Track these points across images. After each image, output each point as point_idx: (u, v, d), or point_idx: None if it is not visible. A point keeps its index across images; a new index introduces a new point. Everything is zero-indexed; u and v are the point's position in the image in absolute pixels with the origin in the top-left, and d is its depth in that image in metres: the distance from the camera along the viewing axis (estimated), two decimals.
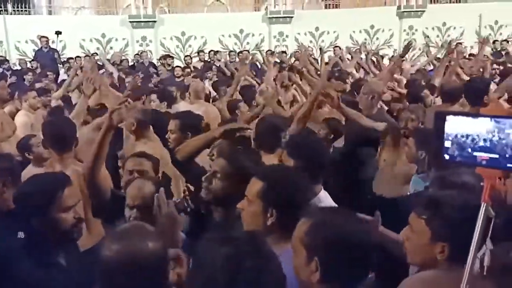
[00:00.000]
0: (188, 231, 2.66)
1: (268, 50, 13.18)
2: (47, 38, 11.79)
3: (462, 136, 1.35)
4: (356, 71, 7.54)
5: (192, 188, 2.69)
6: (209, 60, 12.13)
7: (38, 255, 1.93)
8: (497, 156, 1.30)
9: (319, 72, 6.72)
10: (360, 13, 14.38)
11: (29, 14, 14.40)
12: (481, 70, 6.67)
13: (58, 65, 11.38)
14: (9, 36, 13.28)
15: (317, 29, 14.36)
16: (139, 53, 12.62)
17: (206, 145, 2.79)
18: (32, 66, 10.65)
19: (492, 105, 3.51)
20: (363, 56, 9.25)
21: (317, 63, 12.36)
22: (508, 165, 1.29)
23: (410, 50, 14.19)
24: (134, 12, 13.91)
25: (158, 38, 14.08)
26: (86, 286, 1.67)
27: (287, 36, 14.26)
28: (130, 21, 13.79)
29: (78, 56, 11.97)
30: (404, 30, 14.36)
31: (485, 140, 1.31)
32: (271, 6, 14.39)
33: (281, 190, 1.87)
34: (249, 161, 2.25)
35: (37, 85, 6.95)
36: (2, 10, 13.41)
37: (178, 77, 9.48)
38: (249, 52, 12.79)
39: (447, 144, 1.37)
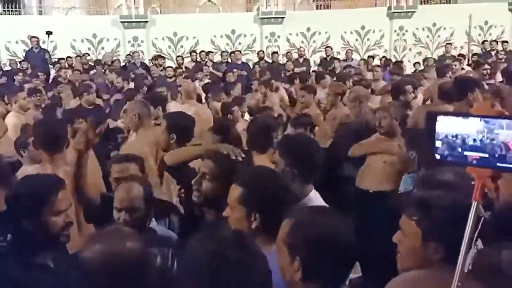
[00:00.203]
0: (181, 232, 2.66)
1: (260, 51, 13.22)
2: (37, 38, 11.71)
3: (453, 136, 1.36)
4: None
5: (183, 191, 2.70)
6: (200, 60, 12.12)
7: (26, 256, 1.92)
8: (487, 155, 1.31)
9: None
10: (351, 14, 14.43)
11: (19, 14, 14.29)
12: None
13: (49, 65, 11.31)
14: None
15: (308, 29, 14.40)
16: (131, 54, 12.56)
17: (195, 158, 2.71)
18: (22, 67, 10.57)
19: (482, 105, 3.57)
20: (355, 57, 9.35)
21: (308, 63, 12.48)
22: (498, 164, 1.30)
23: (401, 50, 14.41)
24: (126, 12, 13.85)
25: (149, 39, 14.03)
26: None
27: (278, 36, 14.28)
28: (121, 21, 13.73)
29: (69, 57, 11.91)
30: (395, 31, 14.44)
31: (475, 139, 1.32)
32: (263, 6, 14.39)
33: (260, 194, 1.89)
34: (238, 161, 2.23)
35: (27, 86, 6.91)
36: None
37: (170, 77, 9.48)
38: (241, 52, 12.81)
39: (438, 144, 1.38)
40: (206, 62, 11.83)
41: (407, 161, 3.25)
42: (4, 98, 6.04)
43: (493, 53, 11.92)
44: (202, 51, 12.74)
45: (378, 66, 8.73)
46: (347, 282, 2.39)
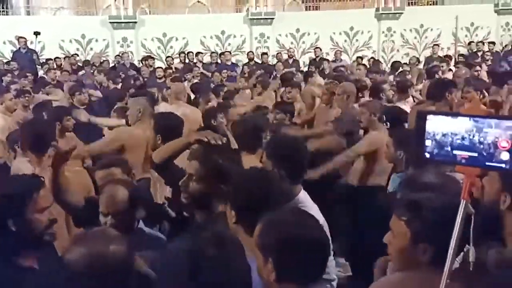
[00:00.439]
0: (170, 235, 2.65)
1: (250, 52, 13.22)
2: (25, 39, 11.58)
3: (442, 135, 1.37)
4: None
5: (170, 196, 2.67)
6: (188, 62, 12.08)
7: (12, 258, 1.90)
8: (476, 154, 1.32)
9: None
10: (340, 15, 14.52)
11: (6, 14, 14.13)
12: None
13: (37, 66, 11.19)
14: None
15: (297, 30, 14.45)
16: (120, 54, 12.49)
17: (181, 150, 2.68)
18: (10, 68, 10.44)
19: (471, 105, 3.65)
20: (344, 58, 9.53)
21: (298, 64, 12.51)
22: (487, 163, 1.31)
23: (389, 51, 14.53)
24: (115, 12, 13.75)
25: (139, 39, 13.96)
26: None
27: (268, 37, 14.30)
28: (110, 22, 13.64)
29: (57, 57, 11.80)
30: (383, 32, 14.55)
31: (464, 139, 1.33)
32: (252, 7, 14.41)
33: (248, 195, 1.89)
34: (224, 159, 2.21)
35: (13, 87, 6.84)
36: None
37: (160, 78, 9.44)
38: (230, 53, 12.80)
39: (428, 142, 1.39)
40: (196, 63, 11.80)
41: (390, 156, 3.28)
42: None
43: (479, 54, 12.05)
44: (190, 52, 12.71)
45: (363, 65, 9.38)
46: (335, 282, 2.41)
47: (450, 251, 1.38)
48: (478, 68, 7.49)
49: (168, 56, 12.73)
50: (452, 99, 4.54)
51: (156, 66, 11.04)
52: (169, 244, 1.41)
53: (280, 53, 13.33)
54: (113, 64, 11.99)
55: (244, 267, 1.40)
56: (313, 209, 2.42)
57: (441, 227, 1.48)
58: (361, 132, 4.27)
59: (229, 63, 11.95)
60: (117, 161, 2.94)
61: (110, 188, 2.35)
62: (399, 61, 10.03)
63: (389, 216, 1.73)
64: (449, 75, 7.46)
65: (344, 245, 3.99)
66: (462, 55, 12.38)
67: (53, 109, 4.96)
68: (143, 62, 11.54)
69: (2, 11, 13.96)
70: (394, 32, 14.57)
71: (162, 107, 5.36)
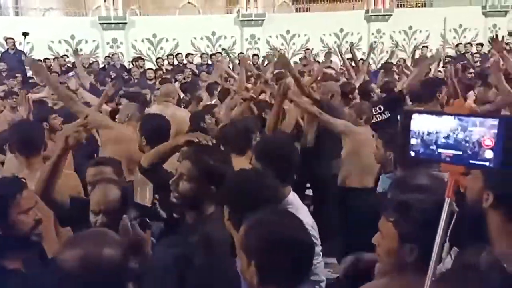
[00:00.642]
0: (160, 236, 2.63)
1: (240, 53, 13.22)
2: (13, 39, 11.49)
3: (427, 134, 1.39)
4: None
5: (158, 197, 2.65)
6: (177, 63, 12.03)
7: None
8: (460, 152, 1.33)
9: None
10: (330, 17, 14.62)
11: None
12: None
13: (26, 67, 11.09)
14: None
15: (288, 32, 14.49)
16: (110, 55, 12.42)
17: (170, 152, 2.65)
18: None
19: (456, 104, 3.67)
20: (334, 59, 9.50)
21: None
22: (471, 161, 1.32)
23: (378, 53, 14.60)
24: (104, 13, 13.69)
25: (129, 40, 13.91)
26: None
27: (258, 38, 14.33)
28: (100, 23, 13.58)
29: (47, 58, 11.71)
30: (372, 34, 14.65)
31: (449, 137, 1.35)
32: (243, 9, 14.42)
33: (231, 197, 1.91)
34: (215, 160, 2.20)
35: (1, 88, 6.78)
36: None
37: (150, 79, 9.40)
38: (221, 54, 12.79)
39: (413, 141, 1.41)
40: (186, 64, 11.76)
41: (379, 156, 3.32)
42: None
43: (467, 55, 12.16)
44: (179, 53, 12.67)
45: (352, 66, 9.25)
46: (324, 283, 2.41)
47: (435, 250, 1.39)
48: (472, 70, 7.60)
49: (159, 57, 12.69)
50: (443, 98, 4.48)
51: (146, 68, 11.00)
52: (156, 248, 1.39)
53: (270, 54, 13.35)
54: (103, 65, 11.92)
55: (232, 273, 1.38)
56: (302, 211, 2.43)
57: (428, 228, 1.48)
58: None
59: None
60: (110, 160, 2.93)
61: (102, 186, 2.34)
62: (391, 62, 10.11)
63: (378, 217, 1.74)
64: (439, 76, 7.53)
65: (335, 245, 4.01)
66: (450, 56, 12.49)
67: (36, 109, 4.87)
68: (134, 63, 11.48)
69: None
70: (384, 33, 14.69)
71: (152, 109, 5.33)
